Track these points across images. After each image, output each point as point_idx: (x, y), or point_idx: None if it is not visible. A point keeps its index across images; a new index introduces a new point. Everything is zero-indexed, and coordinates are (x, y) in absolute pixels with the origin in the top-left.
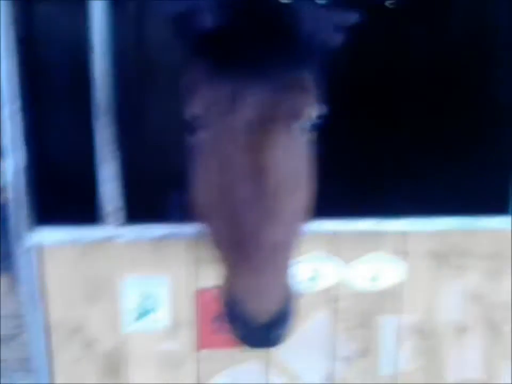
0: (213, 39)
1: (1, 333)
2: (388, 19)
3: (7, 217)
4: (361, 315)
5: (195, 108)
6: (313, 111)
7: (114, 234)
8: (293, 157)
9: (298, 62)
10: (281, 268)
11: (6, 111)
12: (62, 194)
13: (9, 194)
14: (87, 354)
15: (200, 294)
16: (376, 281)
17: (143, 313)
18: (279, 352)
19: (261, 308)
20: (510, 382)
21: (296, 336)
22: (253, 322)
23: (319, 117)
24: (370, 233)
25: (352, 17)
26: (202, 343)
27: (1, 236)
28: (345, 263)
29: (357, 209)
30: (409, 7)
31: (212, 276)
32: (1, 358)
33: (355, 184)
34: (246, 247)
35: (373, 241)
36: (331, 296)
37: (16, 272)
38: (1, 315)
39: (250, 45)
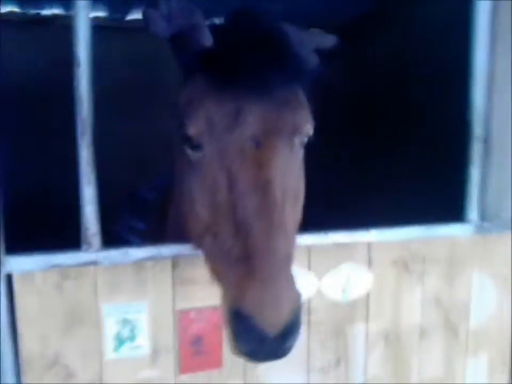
0: (212, 58)
1: None
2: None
3: None
4: (334, 326)
5: (198, 123)
6: (310, 126)
7: (93, 259)
8: (293, 170)
9: (294, 80)
10: (291, 278)
11: None
12: (36, 222)
13: None
14: None
15: (180, 316)
16: (347, 292)
17: (123, 340)
18: (257, 369)
19: (275, 320)
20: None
21: None
22: (266, 336)
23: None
24: (341, 245)
25: (330, 41)
26: (183, 367)
27: None
28: (318, 276)
29: (329, 223)
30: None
31: (190, 298)
32: None
33: (326, 200)
34: (258, 260)
35: (343, 253)
36: (307, 308)
37: None
38: None
39: (249, 62)
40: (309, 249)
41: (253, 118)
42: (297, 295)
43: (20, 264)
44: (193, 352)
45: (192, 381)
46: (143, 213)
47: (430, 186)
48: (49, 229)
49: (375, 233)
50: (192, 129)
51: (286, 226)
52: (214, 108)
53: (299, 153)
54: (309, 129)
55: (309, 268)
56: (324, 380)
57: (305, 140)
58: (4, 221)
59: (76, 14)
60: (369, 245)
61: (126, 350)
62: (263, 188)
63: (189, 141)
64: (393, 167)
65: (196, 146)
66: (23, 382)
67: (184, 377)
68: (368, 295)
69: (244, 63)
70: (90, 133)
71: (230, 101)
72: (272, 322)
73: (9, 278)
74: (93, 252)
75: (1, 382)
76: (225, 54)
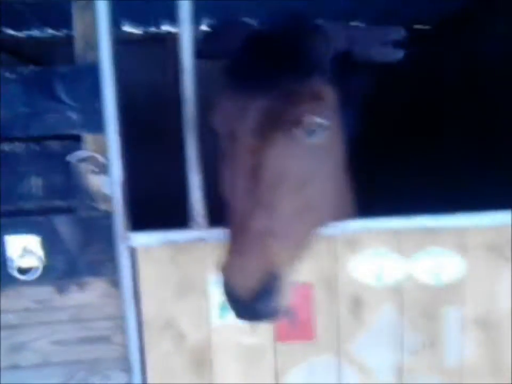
0: (233, 63)
1: (96, 335)
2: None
3: (109, 224)
4: (426, 308)
5: (217, 118)
6: (315, 119)
7: (201, 236)
8: (297, 159)
9: (306, 75)
10: (265, 251)
11: (109, 131)
12: (155, 204)
13: (111, 204)
14: (177, 348)
15: None
16: (438, 274)
17: (227, 309)
18: (350, 345)
19: (242, 284)
20: None
21: (365, 329)
22: (237, 297)
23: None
24: (431, 229)
25: (396, 34)
26: (280, 336)
27: (102, 242)
28: (408, 258)
29: (418, 207)
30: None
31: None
32: (97, 358)
33: (416, 182)
34: (236, 231)
35: (433, 236)
36: (397, 290)
37: (115, 276)
38: (97, 317)
39: (262, 63)
40: (397, 232)
41: (254, 113)
42: (271, 267)
43: (141, 239)
44: (289, 323)
45: (289, 350)
46: None
47: None
48: (166, 212)
49: (465, 218)
50: (214, 122)
51: (272, 206)
52: (227, 105)
53: (307, 143)
54: (312, 120)
55: (398, 250)
56: (416, 361)
57: (314, 129)
58: (129, 203)
59: (181, 26)
60: (460, 230)
61: (230, 317)
62: (252, 172)
63: (214, 132)
64: (489, 152)
65: (218, 137)
66: (143, 340)
67: (281, 346)
68: (461, 280)
69: (255, 67)
70: (196, 128)
71: (239, 99)
72: (240, 286)
73: (132, 252)
74: (200, 230)
75: (126, 339)
76: (243, 60)
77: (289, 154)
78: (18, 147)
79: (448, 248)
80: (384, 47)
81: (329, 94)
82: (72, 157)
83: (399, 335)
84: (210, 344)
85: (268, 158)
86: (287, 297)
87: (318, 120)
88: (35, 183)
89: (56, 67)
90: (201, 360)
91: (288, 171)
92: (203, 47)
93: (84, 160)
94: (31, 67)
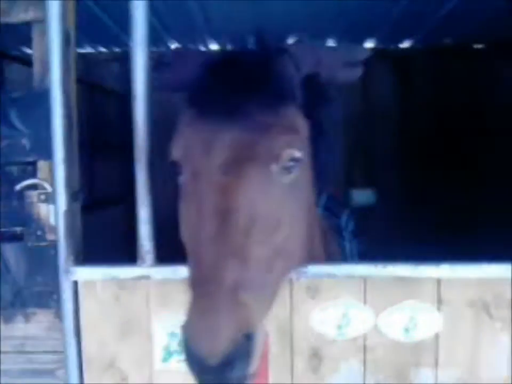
0: (196, 91)
1: (40, 368)
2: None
3: (54, 256)
4: (395, 367)
5: (178, 150)
6: (293, 151)
7: (146, 274)
8: (271, 198)
9: (279, 104)
10: (239, 308)
11: (56, 158)
12: (100, 236)
13: (55, 235)
14: None
15: None
16: (409, 330)
17: (171, 353)
18: None
19: (211, 348)
20: None
21: None
22: (204, 363)
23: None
24: (403, 278)
25: (362, 54)
26: None
27: (49, 274)
28: (376, 310)
29: (392, 254)
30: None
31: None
32: None
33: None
34: (203, 283)
35: (406, 287)
36: (362, 346)
37: (59, 309)
38: (42, 350)
39: (229, 90)
40: (364, 280)
41: (224, 147)
42: (247, 326)
43: (83, 273)
44: None
45: None
46: None
47: None
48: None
49: (447, 269)
50: (174, 155)
51: (245, 255)
52: (191, 136)
53: (283, 180)
54: (290, 154)
55: (364, 301)
56: None
57: (291, 164)
58: (78, 234)
59: (133, 49)
60: (438, 282)
61: (174, 362)
62: (223, 215)
63: (173, 165)
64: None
65: (179, 171)
66: (84, 380)
67: None
68: (436, 338)
69: (221, 94)
70: (146, 158)
71: (205, 130)
72: (209, 350)
73: (75, 286)
74: (146, 267)
75: (67, 377)
76: (206, 86)
77: (264, 193)
78: None
79: (423, 301)
80: (349, 67)
81: (302, 124)
82: (20, 184)
83: None
84: None
85: (241, 199)
86: (258, 359)
87: (296, 154)
88: None
89: (10, 92)
90: None
91: (262, 213)
92: (155, 78)
93: (30, 187)
94: None
